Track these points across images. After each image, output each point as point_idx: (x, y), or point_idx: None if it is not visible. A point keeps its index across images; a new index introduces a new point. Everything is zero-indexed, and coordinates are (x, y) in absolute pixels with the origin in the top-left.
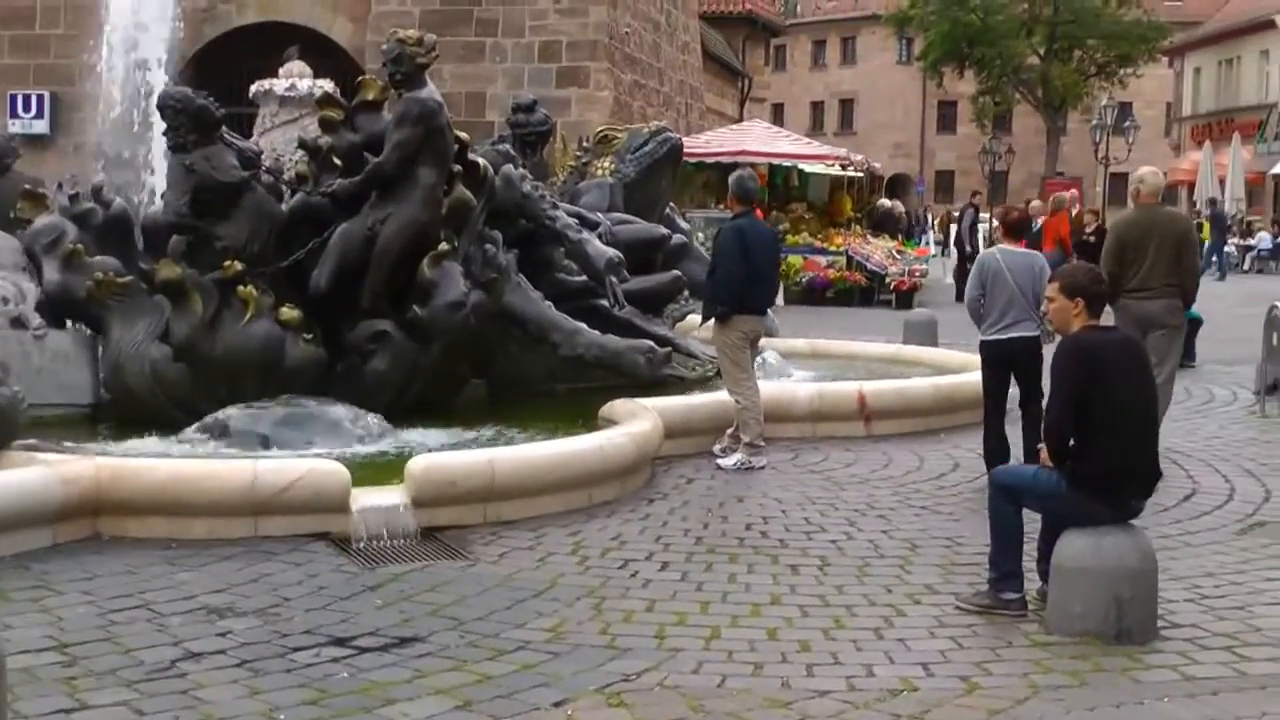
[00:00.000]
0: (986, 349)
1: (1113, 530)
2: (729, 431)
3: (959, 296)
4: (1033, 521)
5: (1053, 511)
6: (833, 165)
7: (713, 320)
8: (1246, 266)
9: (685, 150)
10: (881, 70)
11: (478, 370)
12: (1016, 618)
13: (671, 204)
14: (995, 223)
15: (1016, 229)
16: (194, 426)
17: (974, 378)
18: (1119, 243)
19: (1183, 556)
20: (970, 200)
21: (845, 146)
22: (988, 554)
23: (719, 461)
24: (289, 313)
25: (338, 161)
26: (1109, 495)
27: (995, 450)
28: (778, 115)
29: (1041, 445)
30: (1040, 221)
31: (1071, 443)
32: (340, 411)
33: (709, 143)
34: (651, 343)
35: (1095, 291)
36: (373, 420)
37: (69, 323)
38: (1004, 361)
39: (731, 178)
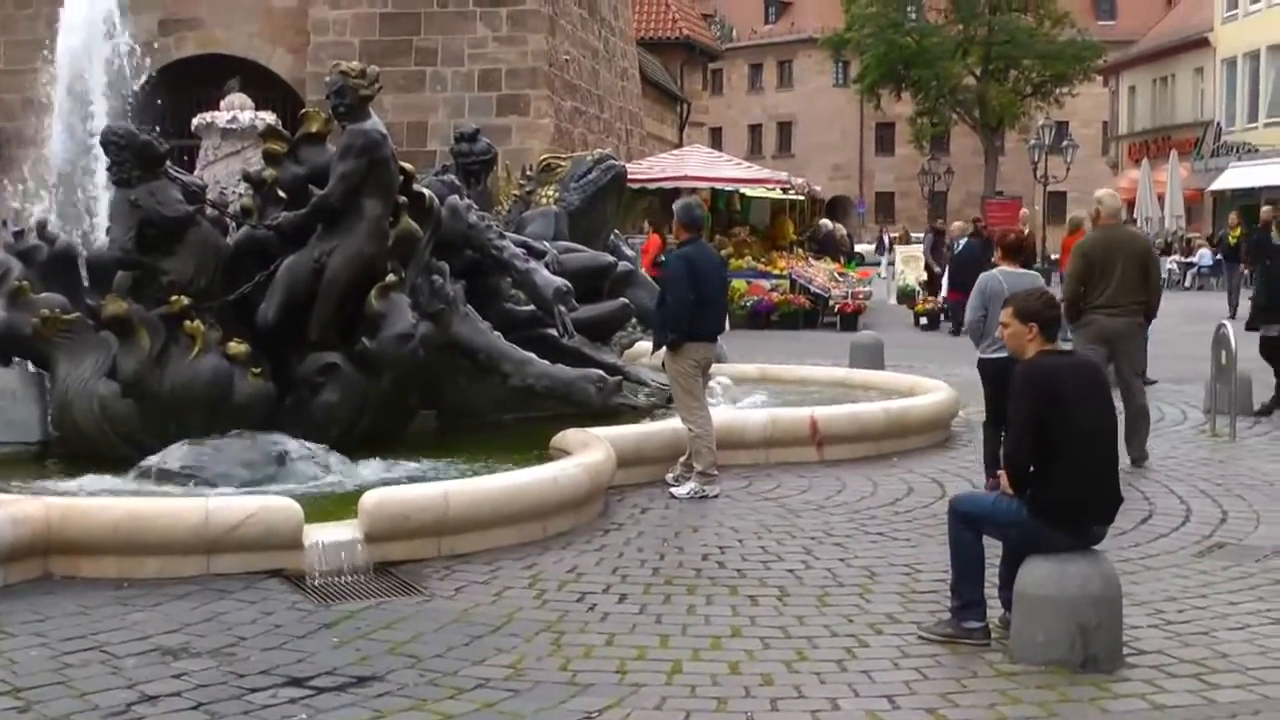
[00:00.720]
0: (987, 366)
1: (1075, 557)
2: (682, 460)
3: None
4: (994, 548)
5: (1013, 539)
6: (774, 189)
7: (664, 348)
8: (1188, 284)
9: (628, 176)
10: (819, 93)
11: (427, 401)
12: (980, 647)
13: (615, 230)
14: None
15: (1015, 250)
16: (144, 463)
17: (924, 401)
18: (1085, 262)
19: (1144, 581)
20: (931, 225)
21: (785, 169)
22: (948, 581)
23: (673, 490)
24: (237, 347)
25: (282, 194)
26: (1070, 522)
27: (997, 456)
28: (716, 139)
29: (1000, 472)
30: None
31: (1031, 469)
32: (290, 445)
33: (651, 168)
34: (602, 371)
35: (1049, 315)
36: (323, 453)
37: (15, 360)
38: (1003, 378)
39: (677, 205)
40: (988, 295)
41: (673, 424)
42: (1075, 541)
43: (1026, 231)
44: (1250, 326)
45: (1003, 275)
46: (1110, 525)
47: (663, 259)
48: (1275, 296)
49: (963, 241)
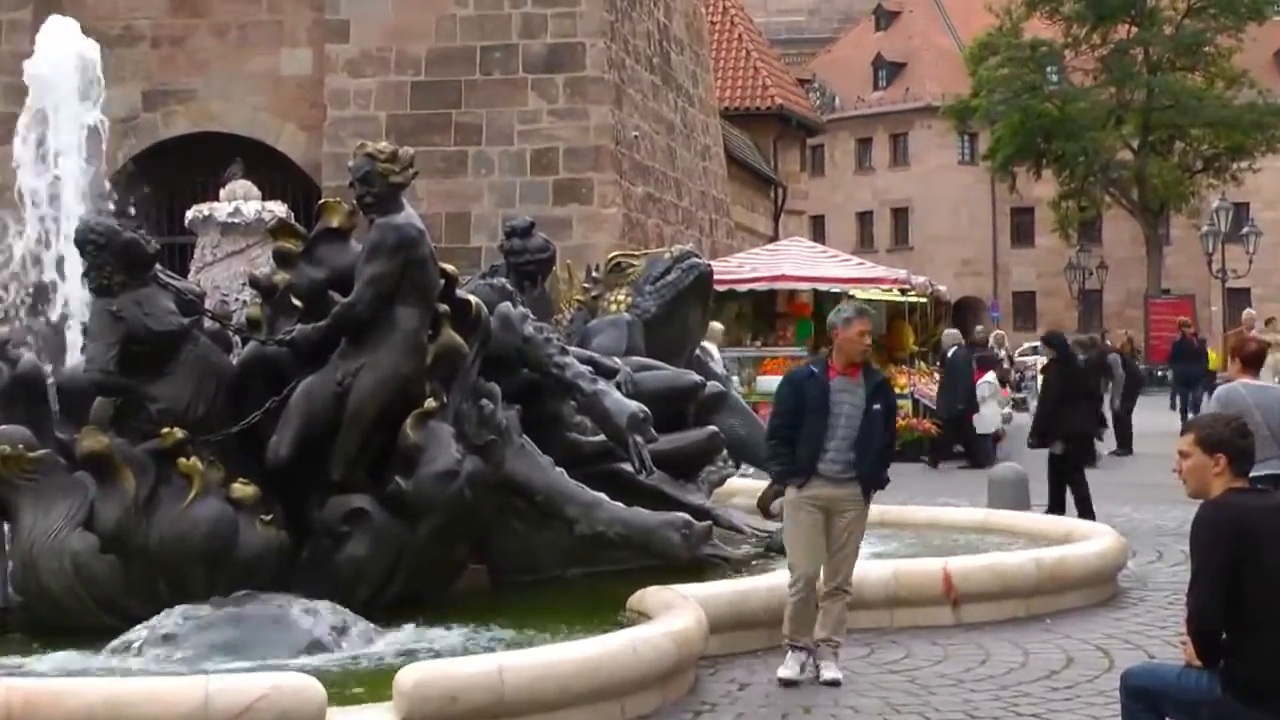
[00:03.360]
0: None
1: None
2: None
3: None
4: None
5: None
6: (890, 289)
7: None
8: None
9: (714, 276)
10: (940, 172)
11: (477, 554)
12: None
13: (703, 344)
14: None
15: (1255, 360)
16: (128, 635)
17: (1081, 549)
18: None
19: None
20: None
21: (902, 265)
22: None
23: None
24: (242, 489)
25: (297, 302)
26: (1274, 701)
27: None
28: (818, 229)
29: (1185, 638)
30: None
31: (1224, 635)
32: (309, 610)
33: (741, 266)
34: (687, 516)
35: (1240, 445)
36: (350, 619)
37: None
38: None
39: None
40: (1228, 409)
41: (774, 580)
42: None
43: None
44: None
45: (1245, 389)
46: None
47: None
48: None
49: (952, 350)
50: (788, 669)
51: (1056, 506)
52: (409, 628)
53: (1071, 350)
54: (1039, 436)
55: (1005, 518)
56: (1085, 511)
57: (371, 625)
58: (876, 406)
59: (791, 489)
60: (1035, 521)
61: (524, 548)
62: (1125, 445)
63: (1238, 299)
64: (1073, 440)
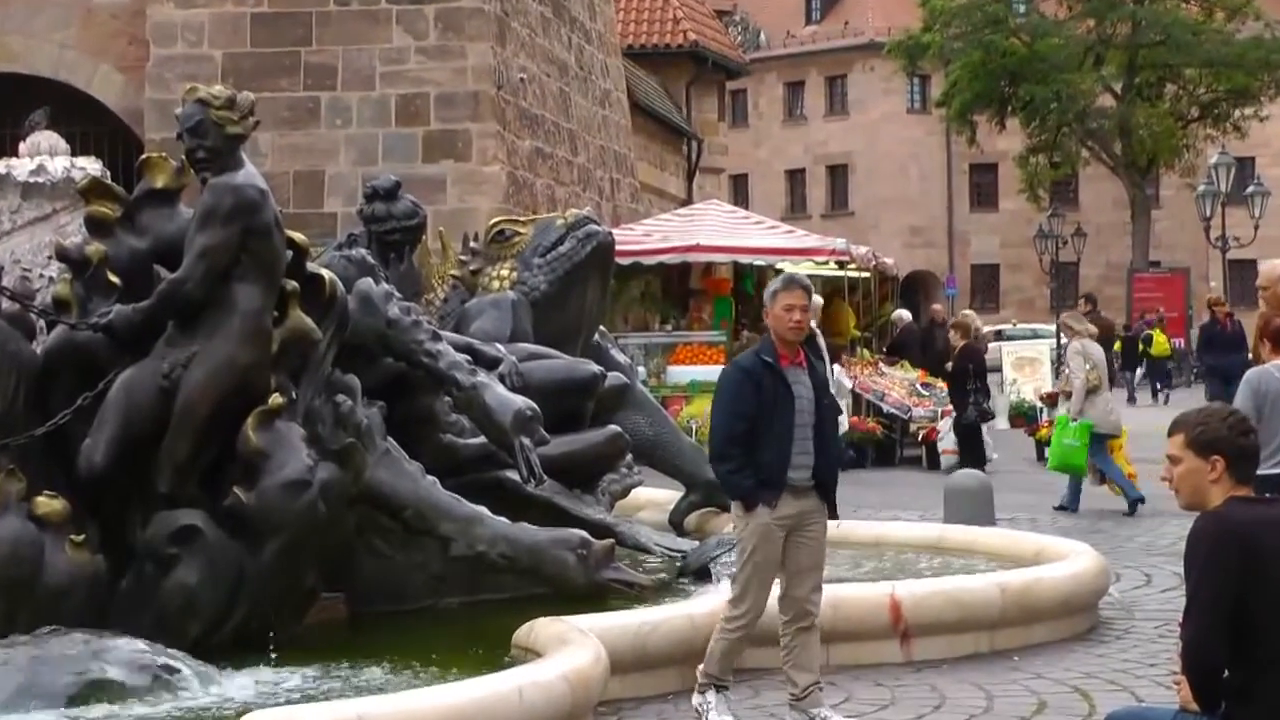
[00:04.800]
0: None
1: None
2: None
3: None
4: None
5: None
6: (826, 262)
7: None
8: None
9: (615, 247)
10: (886, 122)
11: (332, 580)
12: None
13: (601, 328)
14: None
15: None
16: None
17: (1054, 572)
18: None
19: None
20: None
21: (840, 234)
22: None
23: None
24: (48, 504)
25: (114, 279)
26: None
27: None
28: (740, 191)
29: (1179, 677)
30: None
31: (1226, 674)
32: (130, 648)
33: (648, 235)
34: (584, 533)
35: (1240, 446)
36: (179, 661)
37: None
38: None
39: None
40: (1261, 396)
41: (690, 608)
42: None
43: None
44: None
45: (1278, 370)
46: None
47: None
48: None
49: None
50: (717, 714)
51: None
52: (251, 670)
53: None
54: None
55: (963, 534)
56: None
57: (206, 667)
58: (826, 401)
59: (763, 510)
60: (998, 538)
61: (389, 573)
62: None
63: (1241, 273)
64: None
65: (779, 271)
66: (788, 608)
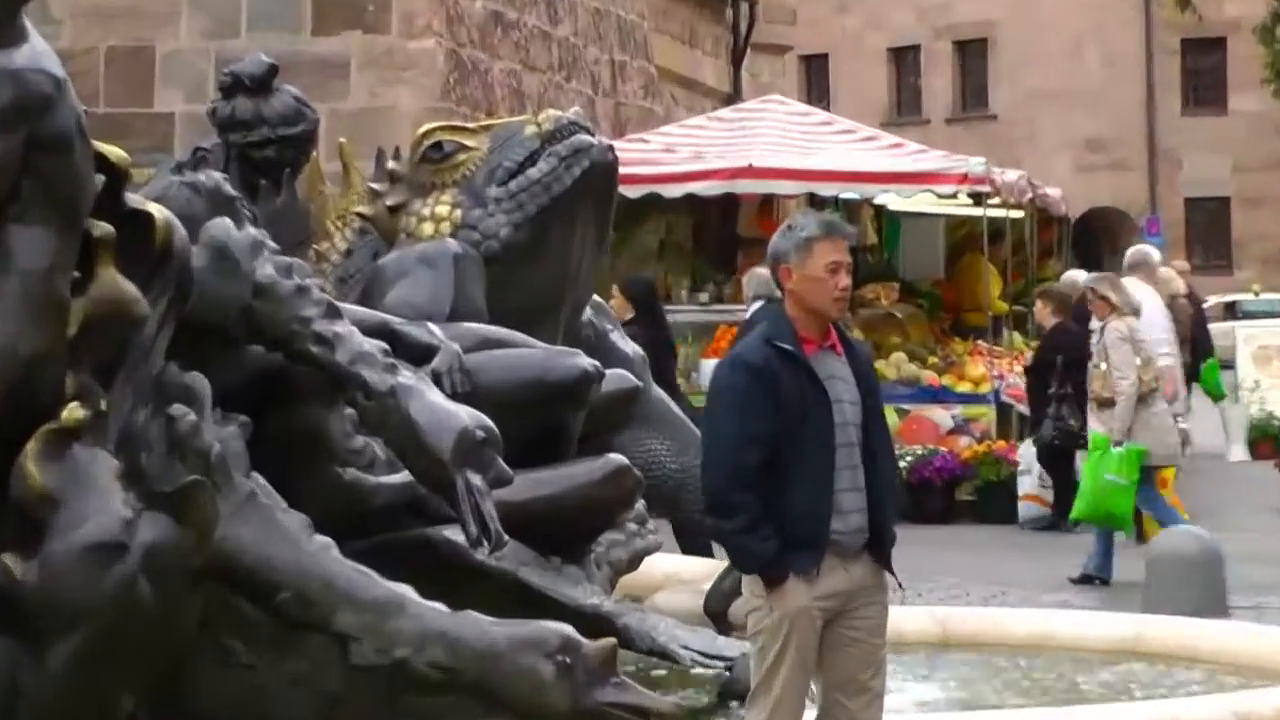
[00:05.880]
0: None
1: None
2: None
3: None
4: None
5: None
6: (954, 194)
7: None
8: None
9: (622, 170)
10: None
11: (161, 704)
12: None
13: (597, 299)
14: None
15: None
16: None
17: None
18: None
19: None
20: None
21: (977, 150)
22: None
23: None
24: None
25: None
26: None
27: None
28: (817, 81)
29: None
30: None
31: None
32: None
33: (671, 151)
34: (567, 629)
35: None
36: None
37: None
38: None
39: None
40: None
41: None
42: None
43: None
44: None
45: None
46: None
47: None
48: None
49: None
50: None
51: None
52: None
53: None
54: None
55: (1174, 629)
56: None
57: None
58: (876, 405)
59: (795, 584)
60: (1232, 637)
61: (252, 692)
62: None
63: None
64: None
65: (878, 209)
66: None
